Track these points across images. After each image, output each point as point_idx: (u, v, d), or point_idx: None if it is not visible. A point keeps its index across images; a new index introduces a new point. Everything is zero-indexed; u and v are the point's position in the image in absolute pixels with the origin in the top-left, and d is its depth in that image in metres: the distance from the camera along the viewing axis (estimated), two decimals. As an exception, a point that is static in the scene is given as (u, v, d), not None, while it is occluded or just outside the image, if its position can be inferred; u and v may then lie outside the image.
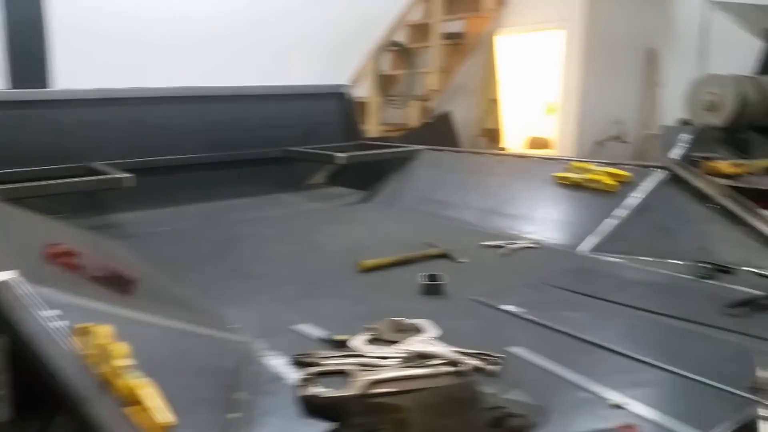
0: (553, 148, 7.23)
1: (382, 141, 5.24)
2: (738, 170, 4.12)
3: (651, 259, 2.41)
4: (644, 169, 2.79)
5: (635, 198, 2.68)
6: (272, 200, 3.86)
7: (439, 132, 6.55)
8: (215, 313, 1.85)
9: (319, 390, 1.28)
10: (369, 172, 4.17)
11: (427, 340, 1.66)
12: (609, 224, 2.62)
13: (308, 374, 1.43)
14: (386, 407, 1.10)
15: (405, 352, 1.57)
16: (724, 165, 4.15)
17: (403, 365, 1.51)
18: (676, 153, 4.54)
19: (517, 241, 2.69)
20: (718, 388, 1.40)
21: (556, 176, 3.03)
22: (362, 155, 4.05)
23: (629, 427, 1.18)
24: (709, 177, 2.77)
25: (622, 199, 2.70)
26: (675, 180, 2.67)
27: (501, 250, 2.60)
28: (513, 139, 8.11)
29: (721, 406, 1.34)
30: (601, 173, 2.82)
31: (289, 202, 3.83)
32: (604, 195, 2.77)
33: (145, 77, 4.05)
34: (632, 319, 1.85)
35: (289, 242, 2.84)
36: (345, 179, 4.41)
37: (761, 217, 2.43)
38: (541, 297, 2.04)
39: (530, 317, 1.85)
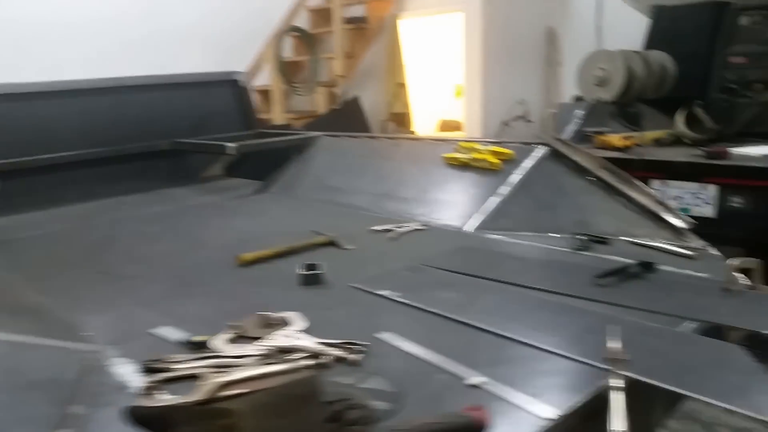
0: (463, 131, 7.30)
1: (283, 129, 5.10)
2: (628, 143, 4.26)
3: (532, 233, 2.43)
4: (526, 147, 2.81)
5: (517, 175, 2.70)
6: (161, 196, 3.68)
7: (347, 118, 6.46)
8: (66, 321, 1.71)
9: (151, 399, 1.19)
10: (267, 161, 4.04)
11: (292, 334, 1.58)
12: (493, 202, 2.63)
13: (152, 381, 1.33)
14: (214, 413, 1.02)
15: (266, 349, 1.49)
16: (615, 138, 4.28)
17: (261, 363, 1.43)
18: (570, 129, 4.65)
19: (406, 224, 2.65)
20: (578, 361, 1.40)
21: (446, 157, 3.01)
22: (254, 144, 3.91)
23: (476, 408, 1.15)
24: (590, 150, 2.82)
25: (505, 177, 2.71)
26: (555, 155, 2.70)
27: (389, 234, 2.56)
28: (423, 123, 8.15)
29: (577, 380, 1.34)
30: (486, 152, 2.83)
31: (178, 197, 3.66)
32: (489, 174, 2.78)
33: (18, 70, 3.75)
34: (504, 294, 1.85)
35: (169, 240, 2.69)
36: (242, 170, 4.26)
37: (636, 187, 2.50)
38: (419, 279, 2.01)
39: (405, 301, 1.81)
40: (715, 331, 1.55)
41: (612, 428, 1.15)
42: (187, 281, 2.13)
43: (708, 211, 3.69)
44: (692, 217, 3.82)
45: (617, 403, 1.21)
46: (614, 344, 1.33)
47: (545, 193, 2.60)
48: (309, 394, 1.07)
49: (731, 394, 1.22)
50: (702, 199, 3.73)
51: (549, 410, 1.20)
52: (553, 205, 2.54)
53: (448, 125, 8.52)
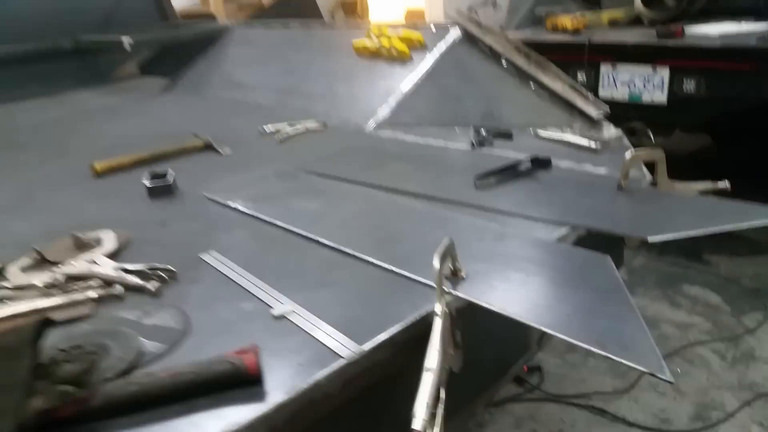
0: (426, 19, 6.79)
1: (206, 20, 4.65)
2: (579, 24, 3.88)
3: (435, 129, 2.15)
4: (438, 31, 2.47)
5: (426, 63, 2.37)
6: (63, 100, 3.33)
7: (296, 8, 5.95)
8: None
9: None
10: (184, 58, 3.66)
11: (97, 258, 1.35)
12: (396, 95, 2.33)
13: None
14: None
15: (55, 277, 1.26)
16: (566, 19, 3.90)
17: (42, 294, 1.20)
18: (522, 10, 4.24)
19: (302, 124, 2.36)
20: (416, 281, 1.18)
21: (355, 46, 2.67)
22: (153, 37, 3.52)
23: (246, 351, 0.93)
24: (504, 34, 2.46)
25: (414, 66, 2.39)
26: (468, 39, 2.37)
27: (278, 135, 2.28)
28: (386, 12, 7.60)
29: (408, 305, 1.11)
30: (394, 39, 2.48)
31: (80, 101, 3.31)
32: (398, 63, 2.45)
33: None
34: (371, 202, 1.60)
35: (34, 149, 2.39)
36: (159, 68, 3.88)
37: (553, 74, 2.20)
38: (283, 187, 1.75)
39: (253, 213, 1.56)
40: (590, 239, 1.32)
41: (426, 365, 0.94)
42: (30, 195, 1.87)
43: (660, 96, 3.39)
44: (643, 104, 3.56)
45: (436, 333, 0.99)
46: (445, 259, 1.10)
47: (453, 83, 2.29)
48: (15, 346, 0.84)
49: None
50: (653, 83, 3.43)
51: (350, 348, 0.99)
52: (460, 96, 2.24)
53: (413, 14, 7.95)
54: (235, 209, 1.60)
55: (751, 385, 2.54)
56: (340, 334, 1.02)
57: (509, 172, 1.65)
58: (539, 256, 1.22)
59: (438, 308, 1.02)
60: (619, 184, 1.52)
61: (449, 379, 0.98)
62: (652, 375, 0.87)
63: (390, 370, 1.03)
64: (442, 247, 1.08)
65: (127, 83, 3.70)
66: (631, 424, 2.41)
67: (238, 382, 0.90)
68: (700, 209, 1.39)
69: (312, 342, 1.02)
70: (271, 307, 1.13)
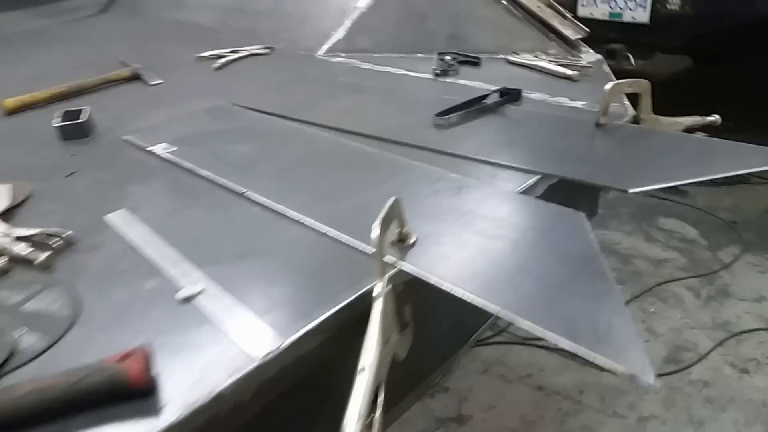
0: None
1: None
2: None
3: (396, 55, 1.90)
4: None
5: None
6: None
7: None
8: None
9: None
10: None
11: (-18, 220, 1.13)
12: (353, 14, 2.05)
13: None
14: None
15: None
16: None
17: None
18: None
19: (246, 48, 2.09)
20: (357, 249, 0.99)
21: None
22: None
23: (129, 355, 0.74)
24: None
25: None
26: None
27: (218, 62, 2.01)
28: None
29: (345, 280, 0.92)
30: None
31: (10, 22, 2.96)
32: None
33: None
34: (313, 145, 1.38)
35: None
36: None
37: (529, -12, 1.94)
38: (216, 126, 1.52)
39: (176, 160, 1.34)
40: (563, 184, 1.14)
41: (361, 363, 0.77)
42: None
43: (642, 15, 3.14)
44: (624, 23, 3.31)
45: (374, 322, 0.81)
46: (388, 225, 0.90)
47: (417, 0, 2.02)
48: None
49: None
50: (636, 1, 3.17)
51: (267, 342, 0.81)
52: (423, 15, 1.98)
53: None
54: (154, 154, 1.38)
55: (725, 324, 2.46)
56: (259, 323, 0.84)
57: (474, 108, 1.43)
58: (502, 213, 1.03)
59: (378, 288, 0.84)
60: (597, 121, 1.32)
61: (396, 366, 0.82)
62: (633, 377, 0.70)
63: (321, 362, 0.85)
64: (385, 210, 0.88)
65: (64, 3, 3.32)
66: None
67: (122, 395, 0.72)
68: (689, 151, 1.20)
69: (221, 335, 0.83)
70: (178, 286, 0.93)
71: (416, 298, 0.91)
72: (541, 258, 0.90)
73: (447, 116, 1.39)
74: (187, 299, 0.90)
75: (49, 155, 1.44)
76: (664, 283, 2.72)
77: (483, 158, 1.22)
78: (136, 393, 0.73)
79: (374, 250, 0.84)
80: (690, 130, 1.35)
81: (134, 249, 1.04)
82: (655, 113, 1.34)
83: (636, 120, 1.32)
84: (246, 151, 1.36)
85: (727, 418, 2.06)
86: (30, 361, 0.80)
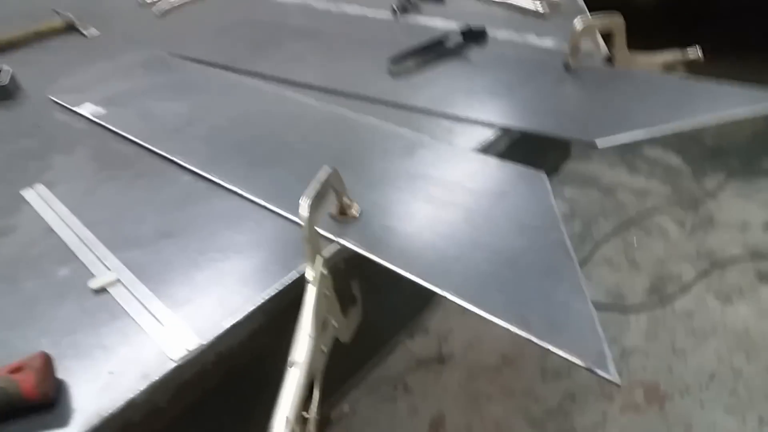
0: None
1: None
2: None
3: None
4: None
5: None
6: None
7: None
8: None
9: None
10: None
11: None
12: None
13: None
14: None
15: None
16: None
17: None
18: None
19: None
20: (295, 222, 0.89)
21: None
22: None
23: (22, 366, 0.65)
24: None
25: None
26: None
27: (158, 6, 1.84)
28: None
29: (279, 262, 0.82)
30: None
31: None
32: None
33: None
34: (256, 100, 1.25)
35: None
36: None
37: None
38: (151, 81, 1.38)
39: (104, 122, 1.21)
40: (530, 144, 1.03)
41: (291, 357, 0.68)
42: None
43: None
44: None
45: (307, 311, 0.72)
46: (322, 199, 0.80)
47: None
48: None
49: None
50: None
51: (186, 340, 0.71)
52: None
53: None
54: (82, 116, 1.25)
55: (709, 254, 2.41)
56: (176, 318, 0.74)
57: (433, 51, 1.30)
58: (456, 176, 0.92)
59: (310, 273, 0.74)
60: (566, 63, 1.19)
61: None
62: (590, 371, 0.62)
63: (253, 354, 0.77)
64: (316, 183, 0.77)
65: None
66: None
67: (22, 409, 0.63)
68: (665, 95, 1.09)
69: (135, 332, 0.74)
70: (92, 274, 0.83)
71: (367, 272, 0.81)
72: (496, 228, 0.81)
73: (402, 63, 1.26)
74: (100, 290, 0.81)
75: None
76: (648, 214, 2.65)
77: (439, 110, 1.10)
78: (37, 405, 0.64)
79: (303, 231, 0.73)
80: (669, 67, 1.23)
81: (51, 230, 0.93)
82: (633, 48, 1.22)
83: (610, 60, 1.19)
84: (180, 109, 1.23)
85: (709, 347, 2.04)
86: None
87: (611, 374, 0.60)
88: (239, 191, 0.95)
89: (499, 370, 2.09)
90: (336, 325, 0.78)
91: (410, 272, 0.75)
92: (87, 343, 0.72)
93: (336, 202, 0.86)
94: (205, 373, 0.71)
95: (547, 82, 1.16)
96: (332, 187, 0.82)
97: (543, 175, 0.88)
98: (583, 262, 2.46)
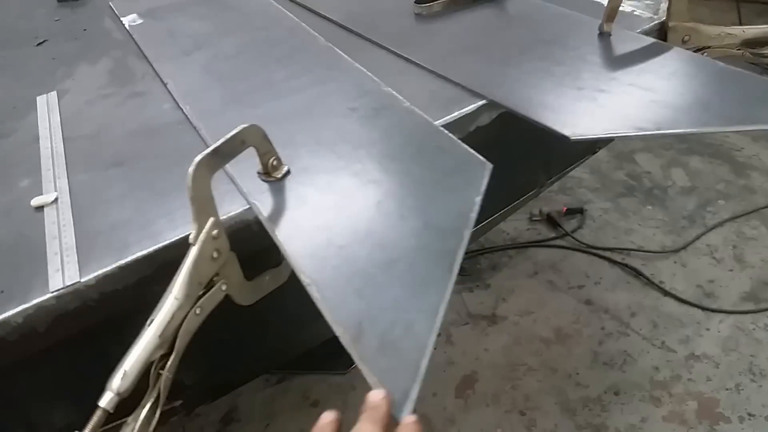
0: None
1: None
2: None
3: None
4: None
5: None
6: None
7: None
8: None
9: None
10: None
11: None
12: None
13: None
14: None
15: None
16: None
17: None
18: None
19: None
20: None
21: None
22: None
23: None
24: None
25: None
26: None
27: None
28: None
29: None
30: None
31: None
32: None
33: None
34: (268, 30, 1.21)
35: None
36: None
37: None
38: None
39: (135, 37, 1.25)
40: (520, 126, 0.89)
41: (152, 316, 0.69)
42: None
43: None
44: None
45: (183, 273, 0.71)
46: (231, 153, 0.75)
47: None
48: None
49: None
50: None
51: (70, 274, 0.75)
52: None
53: None
54: (124, 26, 1.30)
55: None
56: (73, 250, 0.78)
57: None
58: (403, 150, 0.84)
59: (193, 234, 0.73)
60: (600, 28, 0.99)
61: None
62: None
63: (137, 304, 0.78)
64: (223, 139, 0.74)
65: None
66: (665, 293, 2.05)
67: None
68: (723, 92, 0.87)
69: (40, 256, 0.78)
70: (41, 192, 0.89)
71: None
72: (400, 220, 0.73)
73: (428, 3, 1.13)
74: (38, 208, 0.86)
75: (36, 18, 1.42)
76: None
77: (435, 70, 0.99)
78: None
79: (188, 187, 0.71)
80: (752, 45, 0.98)
81: (37, 139, 1.01)
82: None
83: (663, 29, 0.97)
84: (200, 30, 1.23)
85: (794, 379, 1.76)
86: None
87: (399, 416, 0.53)
88: (200, 131, 0.95)
89: (549, 344, 1.98)
90: (225, 288, 0.77)
91: (289, 251, 0.71)
92: (8, 260, 0.78)
93: (267, 160, 0.82)
94: (86, 309, 0.74)
95: (568, 48, 0.98)
96: (250, 144, 0.79)
97: (487, 166, 0.77)
98: (681, 247, 2.19)
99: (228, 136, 0.75)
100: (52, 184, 0.89)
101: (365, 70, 1.01)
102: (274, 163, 0.83)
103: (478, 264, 2.41)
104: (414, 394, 0.55)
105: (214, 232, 0.74)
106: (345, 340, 0.60)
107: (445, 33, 1.10)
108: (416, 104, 0.91)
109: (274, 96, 1.00)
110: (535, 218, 2.51)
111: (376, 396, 0.54)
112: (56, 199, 0.87)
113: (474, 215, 0.71)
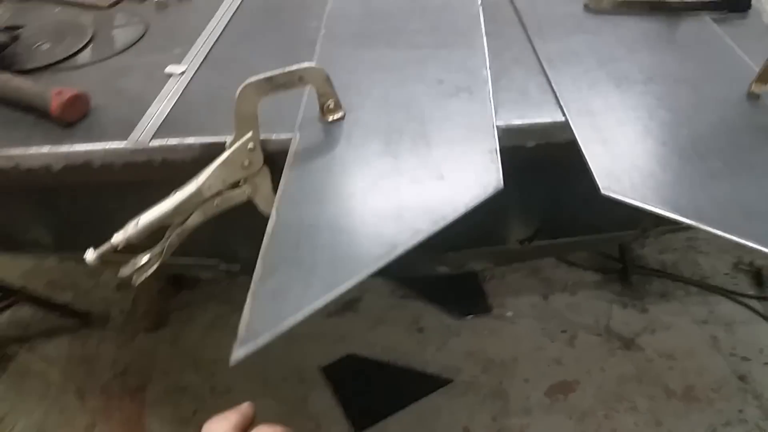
0: None
1: None
2: None
3: None
4: None
5: None
6: None
7: None
8: None
9: None
10: None
11: None
12: None
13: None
14: None
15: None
16: None
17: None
18: None
19: None
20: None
21: None
22: None
23: (63, 92, 0.94)
24: None
25: None
26: None
27: None
28: None
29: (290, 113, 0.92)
30: None
31: None
32: None
33: None
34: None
35: None
36: None
37: None
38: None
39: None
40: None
41: (175, 191, 0.84)
42: None
43: None
44: None
45: (211, 166, 0.84)
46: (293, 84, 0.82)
47: None
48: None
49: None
50: None
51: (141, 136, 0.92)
52: None
53: None
54: None
55: None
56: (159, 119, 0.94)
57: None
58: (438, 137, 0.82)
59: (229, 139, 0.84)
60: (749, 89, 0.80)
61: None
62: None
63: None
64: (285, 70, 0.82)
65: None
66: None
67: (45, 116, 0.96)
68: None
69: (139, 112, 0.96)
70: (177, 62, 1.07)
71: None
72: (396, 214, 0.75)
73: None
74: (168, 75, 1.05)
75: None
76: None
77: (549, 72, 0.91)
78: (58, 121, 0.95)
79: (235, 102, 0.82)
80: None
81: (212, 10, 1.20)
82: None
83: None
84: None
85: None
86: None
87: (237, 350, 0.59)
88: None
89: (671, 396, 1.87)
90: (249, 193, 0.88)
91: (281, 194, 0.78)
92: (119, 104, 0.99)
93: (326, 102, 0.88)
94: (148, 166, 0.92)
95: (709, 99, 0.81)
96: (309, 83, 0.85)
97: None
98: None
99: (286, 69, 0.82)
100: (190, 59, 1.07)
101: (486, 46, 0.98)
102: (330, 106, 0.88)
103: (648, 284, 2.21)
104: (258, 342, 0.59)
105: (250, 145, 0.85)
106: (256, 273, 0.67)
107: (593, 36, 0.98)
108: (507, 97, 0.87)
109: (391, 44, 1.03)
110: (741, 266, 2.20)
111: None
112: (182, 73, 1.04)
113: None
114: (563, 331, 2.05)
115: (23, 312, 2.19)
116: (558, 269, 2.26)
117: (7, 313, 2.16)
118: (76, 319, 2.15)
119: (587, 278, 2.22)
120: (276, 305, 0.62)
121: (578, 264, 2.26)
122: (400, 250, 0.65)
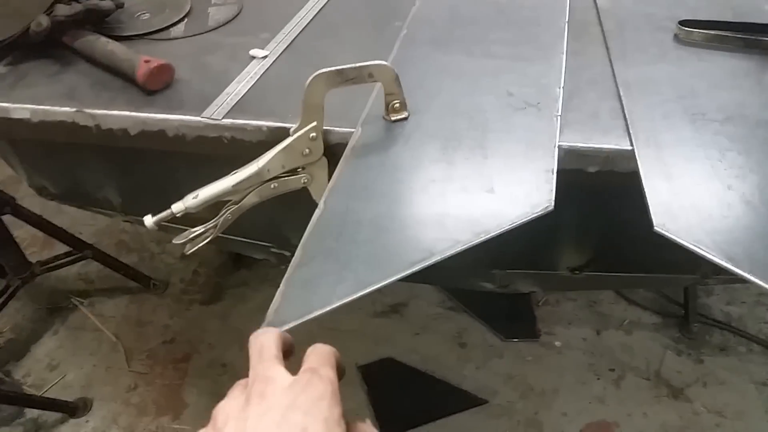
0: None
1: None
2: None
3: None
4: None
5: None
6: None
7: None
8: None
9: None
10: None
11: None
12: None
13: None
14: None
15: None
16: None
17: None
18: None
19: None
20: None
21: None
22: None
23: (159, 65, 1.00)
24: None
25: None
26: None
27: None
28: None
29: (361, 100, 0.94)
30: None
31: None
32: None
33: None
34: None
35: None
36: None
37: None
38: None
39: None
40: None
41: (238, 169, 0.88)
42: None
43: None
44: None
45: (273, 149, 0.87)
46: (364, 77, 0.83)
47: None
48: None
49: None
50: None
51: (215, 113, 0.96)
52: None
53: None
54: None
55: None
56: (234, 99, 0.98)
57: (751, 36, 0.95)
58: (501, 160, 0.81)
59: (293, 127, 0.87)
60: None
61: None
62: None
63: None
64: (353, 65, 0.84)
65: None
66: None
67: (133, 82, 1.02)
68: None
69: (218, 89, 1.01)
70: (261, 47, 1.11)
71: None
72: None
73: (693, 29, 0.98)
74: (251, 58, 1.09)
75: None
76: None
77: (624, 98, 0.89)
78: (142, 88, 1.01)
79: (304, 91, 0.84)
80: None
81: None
82: None
83: None
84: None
85: None
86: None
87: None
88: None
89: None
90: (305, 181, 0.91)
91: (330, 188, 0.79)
92: (207, 81, 1.04)
93: (393, 102, 0.89)
94: (218, 141, 0.96)
95: None
96: (378, 80, 0.86)
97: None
98: None
99: (357, 64, 0.84)
100: (274, 45, 1.11)
101: (564, 64, 0.96)
102: (396, 105, 0.89)
103: (708, 335, 2.11)
104: (282, 329, 0.61)
105: (312, 134, 0.87)
106: (294, 260, 0.68)
107: (677, 68, 0.95)
108: (576, 118, 0.86)
109: (468, 52, 1.03)
110: (811, 331, 2.06)
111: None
112: (264, 57, 1.08)
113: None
114: (611, 370, 1.98)
115: (90, 267, 2.32)
116: (616, 305, 2.19)
117: (76, 267, 2.29)
118: (138, 281, 2.26)
119: (645, 319, 2.13)
120: (306, 294, 0.64)
121: (638, 303, 2.18)
122: (436, 258, 0.64)
